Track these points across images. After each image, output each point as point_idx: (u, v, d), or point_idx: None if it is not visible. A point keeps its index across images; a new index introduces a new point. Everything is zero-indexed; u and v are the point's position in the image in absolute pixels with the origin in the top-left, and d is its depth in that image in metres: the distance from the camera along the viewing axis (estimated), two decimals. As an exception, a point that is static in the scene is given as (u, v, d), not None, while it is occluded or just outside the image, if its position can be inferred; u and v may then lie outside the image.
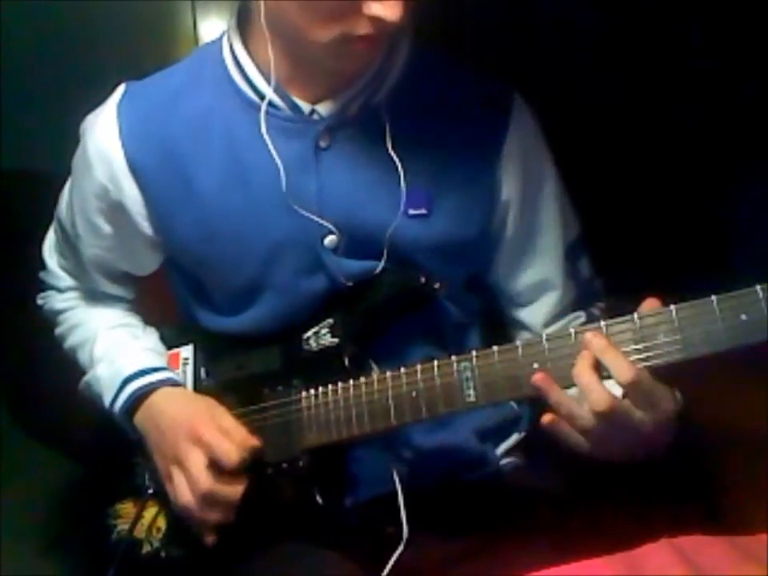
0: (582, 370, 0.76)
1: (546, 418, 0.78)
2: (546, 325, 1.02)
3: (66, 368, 1.15)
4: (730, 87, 1.48)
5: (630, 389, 0.74)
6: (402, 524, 0.90)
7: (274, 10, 0.85)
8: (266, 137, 0.91)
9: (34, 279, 1.17)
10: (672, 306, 0.76)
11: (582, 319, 1.01)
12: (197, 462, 0.90)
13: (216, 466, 0.90)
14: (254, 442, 0.91)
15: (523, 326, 1.03)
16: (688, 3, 1.47)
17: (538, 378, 0.78)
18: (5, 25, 1.78)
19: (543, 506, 0.98)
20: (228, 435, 0.91)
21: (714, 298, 0.74)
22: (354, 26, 0.81)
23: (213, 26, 1.90)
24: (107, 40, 1.86)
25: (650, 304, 0.77)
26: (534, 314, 1.02)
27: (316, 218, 0.91)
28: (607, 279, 1.06)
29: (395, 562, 0.89)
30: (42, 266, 1.14)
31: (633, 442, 0.77)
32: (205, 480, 0.89)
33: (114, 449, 1.08)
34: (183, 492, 0.91)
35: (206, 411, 0.94)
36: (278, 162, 0.90)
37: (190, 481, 0.91)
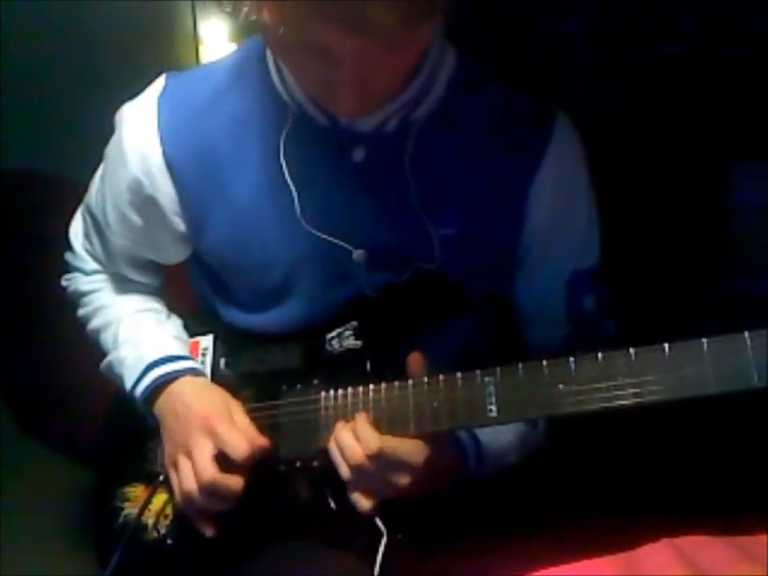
0: (341, 431, 0.87)
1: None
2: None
3: (67, 368, 1.15)
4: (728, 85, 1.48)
5: (372, 457, 0.84)
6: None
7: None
8: (281, 158, 0.91)
9: (34, 279, 1.17)
10: (703, 340, 0.73)
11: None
12: (203, 452, 0.91)
13: (222, 459, 0.91)
14: (263, 441, 0.92)
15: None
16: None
17: None
18: (5, 25, 1.77)
19: (543, 506, 0.98)
20: (240, 431, 0.92)
21: (746, 334, 0.71)
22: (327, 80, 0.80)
23: (213, 26, 1.90)
24: (107, 40, 1.86)
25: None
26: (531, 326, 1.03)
27: (342, 242, 0.91)
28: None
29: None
30: (68, 247, 1.12)
31: (399, 488, 0.86)
32: (208, 470, 0.90)
33: (114, 449, 1.08)
34: (187, 479, 0.92)
35: (222, 405, 0.95)
36: (291, 184, 0.91)
37: (195, 469, 0.91)
